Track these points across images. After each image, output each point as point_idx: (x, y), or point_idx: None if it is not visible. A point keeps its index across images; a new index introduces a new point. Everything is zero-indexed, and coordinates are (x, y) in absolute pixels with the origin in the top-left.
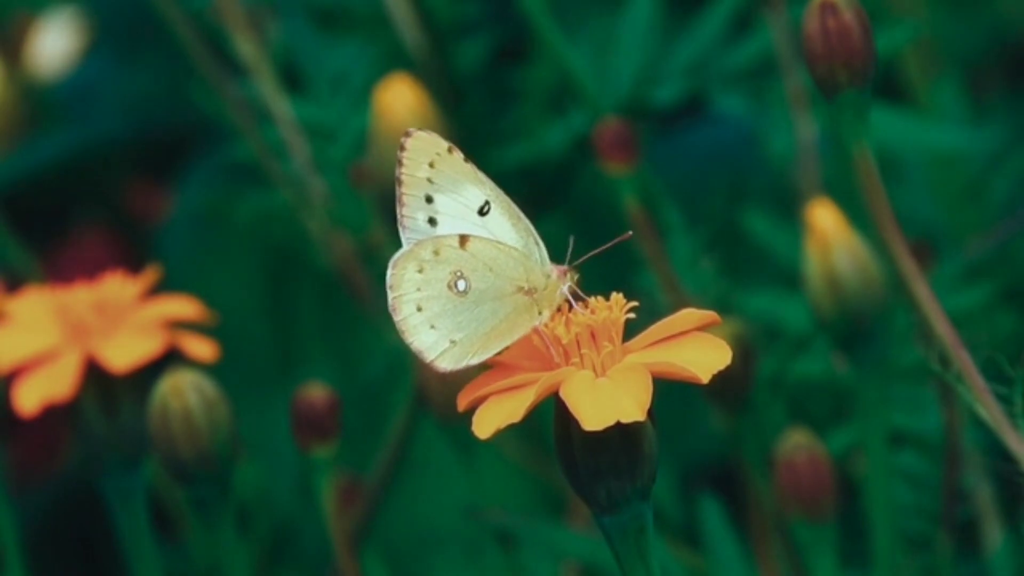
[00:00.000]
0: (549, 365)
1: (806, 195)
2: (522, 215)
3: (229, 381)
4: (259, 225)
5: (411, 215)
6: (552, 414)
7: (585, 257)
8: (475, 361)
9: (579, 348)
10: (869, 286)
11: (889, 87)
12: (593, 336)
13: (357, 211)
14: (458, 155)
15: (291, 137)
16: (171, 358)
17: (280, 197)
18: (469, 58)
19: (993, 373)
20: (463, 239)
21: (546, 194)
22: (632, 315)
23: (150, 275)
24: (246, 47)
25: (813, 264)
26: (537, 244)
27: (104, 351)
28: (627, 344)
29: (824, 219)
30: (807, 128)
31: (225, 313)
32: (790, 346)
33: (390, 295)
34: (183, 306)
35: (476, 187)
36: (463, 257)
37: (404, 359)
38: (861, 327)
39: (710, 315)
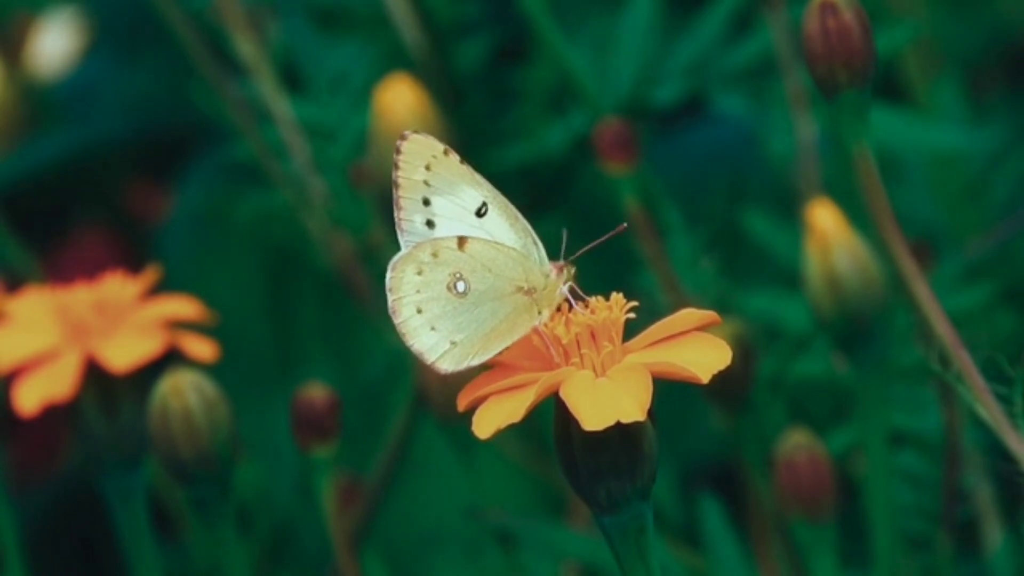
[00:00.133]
0: (549, 365)
1: (806, 195)
2: (519, 215)
3: (229, 381)
4: (259, 225)
5: (409, 218)
6: (552, 414)
7: (581, 251)
8: (476, 362)
9: (579, 348)
10: (869, 286)
11: (889, 87)
12: (593, 336)
13: (357, 211)
14: (454, 157)
15: (291, 137)
16: (171, 358)
17: (280, 197)
18: (469, 58)
19: (993, 373)
20: (461, 240)
21: (546, 194)
22: (632, 315)
23: (150, 275)
24: (246, 47)
25: (813, 264)
26: (535, 244)
27: (104, 351)
28: (627, 344)
29: (824, 219)
30: (807, 128)
31: (225, 313)
32: (790, 346)
33: (390, 298)
34: (183, 306)
35: (473, 188)
36: (462, 259)
37: (404, 359)
38: (861, 327)
39: (710, 315)
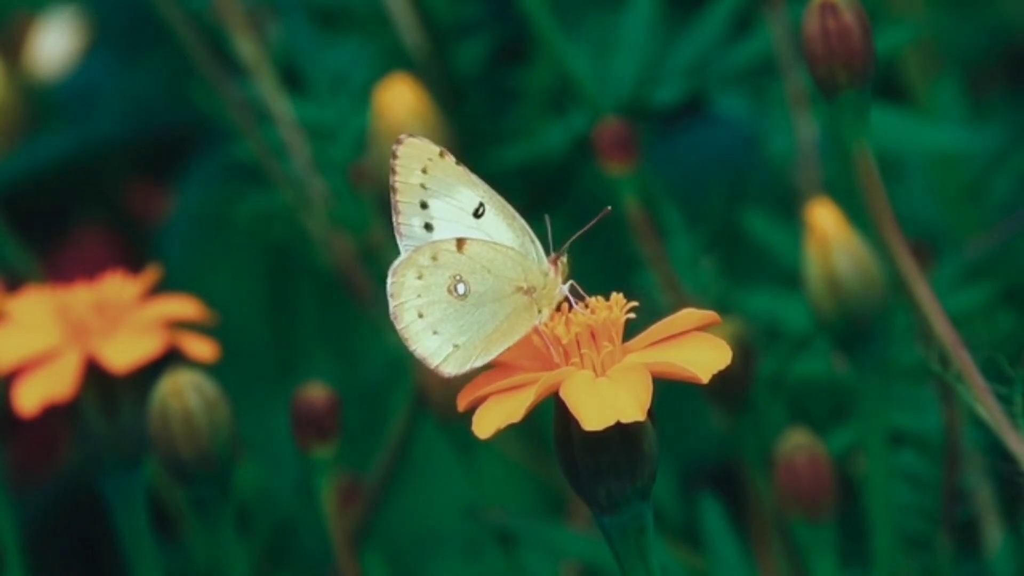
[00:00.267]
0: (549, 365)
1: (806, 195)
2: (516, 214)
3: (229, 381)
4: (259, 225)
5: (407, 222)
6: (552, 414)
7: (572, 238)
8: (478, 364)
9: (579, 348)
10: (869, 286)
11: (889, 87)
12: (593, 336)
13: (357, 211)
14: (450, 159)
15: (291, 137)
16: (171, 358)
17: (280, 197)
18: (469, 58)
19: (993, 373)
20: (460, 243)
21: (546, 194)
22: (632, 315)
23: (150, 275)
24: (246, 47)
25: (813, 264)
26: (533, 242)
27: (104, 351)
28: (627, 344)
29: (824, 219)
30: (807, 128)
31: (225, 313)
32: (790, 346)
33: (391, 303)
34: (183, 306)
35: (469, 189)
36: (461, 261)
37: (404, 359)
38: (861, 327)
39: (710, 315)
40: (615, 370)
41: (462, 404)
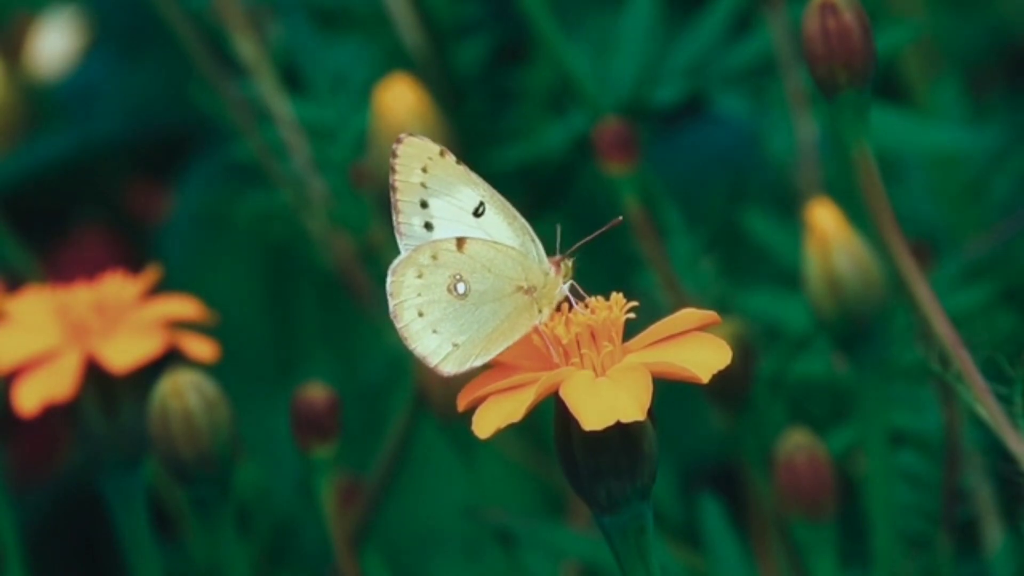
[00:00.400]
0: (549, 365)
1: (806, 195)
2: (517, 213)
3: (229, 381)
4: (259, 225)
5: (407, 221)
6: (552, 414)
7: (578, 245)
8: (478, 363)
9: (579, 348)
10: (869, 286)
11: (889, 87)
12: (593, 336)
13: (357, 211)
14: (450, 158)
15: (291, 137)
16: (171, 358)
17: (280, 197)
18: (469, 58)
19: (993, 373)
20: (460, 242)
21: (546, 194)
22: (632, 315)
23: (150, 275)
24: (246, 47)
25: (813, 264)
26: (533, 241)
27: (104, 351)
28: (627, 344)
29: (824, 219)
30: (807, 128)
31: (225, 313)
32: (790, 346)
33: (391, 302)
34: (183, 306)
35: (470, 188)
36: (461, 260)
37: (404, 359)
38: (861, 327)
39: (710, 315)
40: (615, 370)
41: (462, 404)
